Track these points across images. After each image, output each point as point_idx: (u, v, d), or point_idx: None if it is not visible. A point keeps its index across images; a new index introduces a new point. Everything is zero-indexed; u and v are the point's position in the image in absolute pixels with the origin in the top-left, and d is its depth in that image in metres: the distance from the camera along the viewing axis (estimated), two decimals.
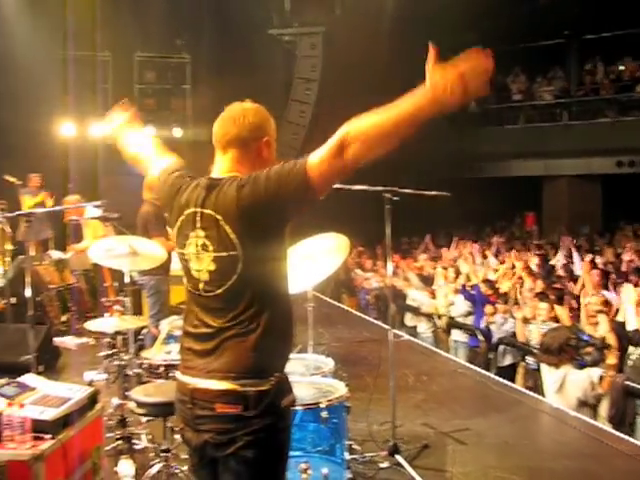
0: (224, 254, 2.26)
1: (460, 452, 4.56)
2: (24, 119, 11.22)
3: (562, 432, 5.15)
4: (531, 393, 6.12)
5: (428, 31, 15.50)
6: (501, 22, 14.60)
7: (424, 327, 9.30)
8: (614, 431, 5.30)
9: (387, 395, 4.61)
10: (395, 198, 4.21)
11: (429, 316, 9.22)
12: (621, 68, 16.82)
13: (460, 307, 8.67)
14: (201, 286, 2.34)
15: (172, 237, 2.47)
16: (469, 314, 8.54)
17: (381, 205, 4.36)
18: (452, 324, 8.73)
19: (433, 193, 4.33)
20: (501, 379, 6.50)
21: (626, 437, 5.17)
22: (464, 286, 8.86)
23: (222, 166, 2.40)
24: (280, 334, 2.34)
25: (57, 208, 7.97)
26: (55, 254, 9.14)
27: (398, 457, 4.26)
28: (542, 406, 5.72)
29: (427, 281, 10.06)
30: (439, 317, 9.03)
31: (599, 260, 10.40)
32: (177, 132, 13.77)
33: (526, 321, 7.21)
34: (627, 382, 6.00)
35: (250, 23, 13.72)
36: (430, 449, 4.55)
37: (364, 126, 2.07)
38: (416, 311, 9.46)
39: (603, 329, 6.38)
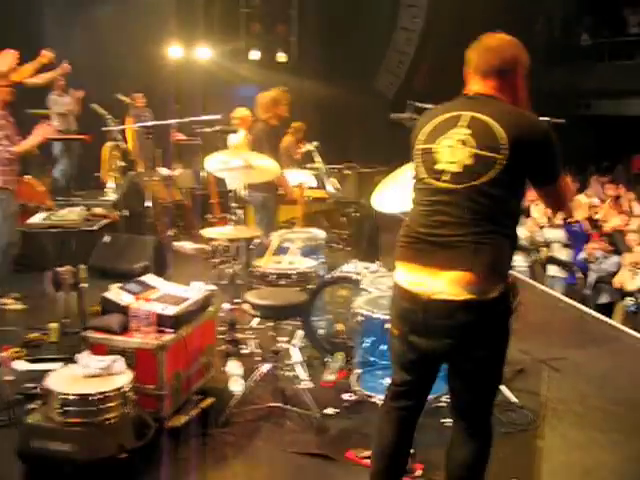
0: (486, 153, 2.36)
1: (556, 379, 4.59)
2: (134, 43, 11.50)
3: None
4: (630, 330, 6.04)
5: None
6: None
7: (520, 260, 9.22)
8: None
9: None
10: None
11: (526, 250, 9.13)
12: None
13: (558, 240, 8.57)
14: (446, 178, 2.41)
15: (418, 141, 2.55)
16: (568, 247, 8.44)
17: None
18: (550, 259, 8.63)
19: (546, 119, 4.22)
20: (599, 315, 6.43)
21: None
22: (565, 220, 8.69)
23: (483, 90, 2.51)
24: (513, 243, 2.46)
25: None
26: (163, 171, 9.50)
27: None
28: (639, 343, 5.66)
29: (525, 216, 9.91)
30: (537, 251, 8.93)
31: None
32: (282, 57, 13.79)
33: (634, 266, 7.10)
34: None
35: None
36: (525, 374, 4.61)
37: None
38: None
39: None
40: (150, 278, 4.17)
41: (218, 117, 4.90)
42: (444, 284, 2.34)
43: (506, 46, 2.53)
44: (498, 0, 12.60)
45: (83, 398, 3.04)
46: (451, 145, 2.41)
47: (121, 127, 7.12)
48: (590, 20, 17.50)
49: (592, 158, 16.08)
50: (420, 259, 2.43)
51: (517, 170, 2.37)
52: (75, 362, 3.35)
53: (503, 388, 4.21)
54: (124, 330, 3.60)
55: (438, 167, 2.43)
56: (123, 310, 3.66)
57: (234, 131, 5.64)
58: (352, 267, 4.58)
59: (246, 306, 3.88)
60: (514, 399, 4.13)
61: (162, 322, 3.61)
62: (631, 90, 16.19)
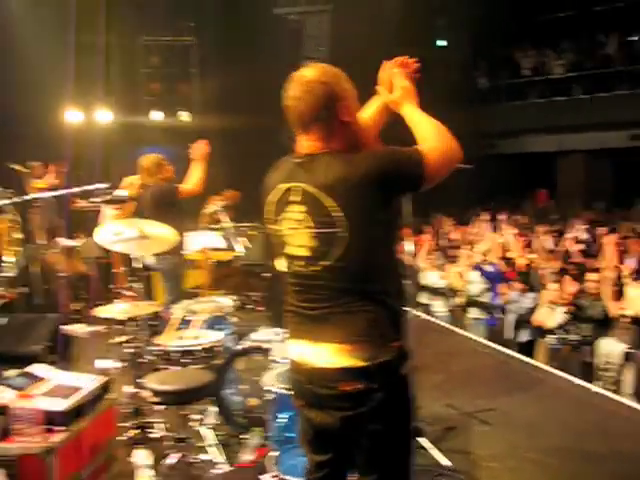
0: (326, 230, 2.16)
1: (486, 433, 4.42)
2: (30, 106, 11.05)
3: (588, 410, 5.00)
4: (554, 370, 5.97)
5: (440, 7, 15.38)
6: None
7: (440, 306, 9.14)
8: None
9: None
10: None
11: (445, 295, 9.07)
12: (633, 39, 16.40)
13: (475, 283, 8.53)
14: (300, 263, 2.24)
15: (266, 219, 2.38)
16: (485, 289, 8.41)
17: None
18: (470, 302, 8.58)
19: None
20: (523, 357, 6.36)
21: None
22: (480, 263, 8.70)
23: (310, 145, 2.26)
24: (393, 305, 2.25)
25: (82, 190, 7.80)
26: (64, 242, 9.02)
27: (422, 440, 4.12)
28: (565, 384, 5.59)
29: (442, 259, 9.90)
30: (456, 295, 8.87)
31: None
32: (184, 117, 13.56)
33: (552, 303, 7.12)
34: None
35: (255, 3, 13.46)
36: (455, 431, 4.41)
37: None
38: (433, 290, 9.32)
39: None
40: (39, 368, 3.76)
41: (106, 185, 4.60)
42: (326, 353, 2.21)
43: (312, 88, 2.20)
44: (395, 52, 12.83)
45: None
46: (293, 227, 2.24)
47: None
48: (486, 64, 18.17)
49: (499, 196, 16.49)
50: (301, 333, 2.31)
51: (367, 229, 2.15)
52: None
53: (433, 450, 4.00)
54: (4, 435, 3.17)
55: (289, 252, 2.28)
56: (2, 411, 3.24)
57: (133, 198, 5.37)
58: (262, 335, 4.29)
59: (146, 393, 3.52)
60: (445, 461, 3.90)
61: (51, 419, 3.21)
62: (530, 128, 16.85)
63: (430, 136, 2.25)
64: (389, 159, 2.17)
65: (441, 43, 17.31)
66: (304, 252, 2.21)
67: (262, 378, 3.73)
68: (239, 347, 4.29)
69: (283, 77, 2.35)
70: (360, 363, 2.16)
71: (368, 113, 2.55)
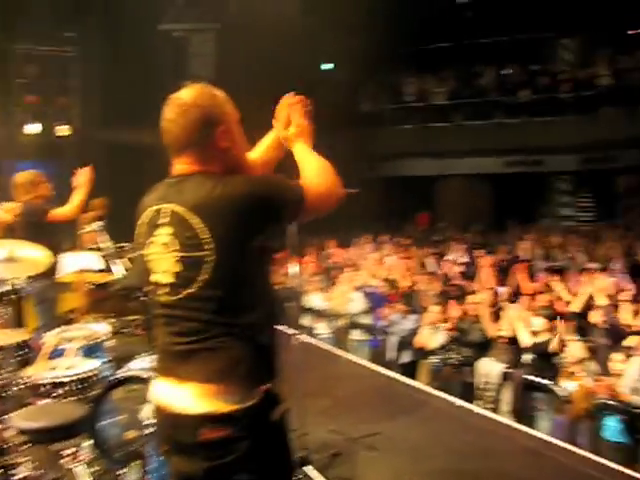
0: (191, 254, 2.01)
1: (372, 459, 4.41)
2: None
3: (468, 431, 5.11)
4: (435, 392, 6.07)
5: (323, 32, 15.59)
6: (393, 24, 14.75)
7: (323, 328, 9.14)
8: (519, 426, 5.35)
9: (291, 403, 4.38)
10: None
11: (329, 317, 9.08)
12: (507, 72, 17.34)
13: (358, 305, 8.61)
14: (164, 290, 2.07)
15: (136, 244, 2.20)
16: (368, 311, 8.50)
17: None
18: (353, 324, 8.63)
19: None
20: (406, 379, 6.44)
21: (531, 431, 5.23)
22: (363, 285, 8.80)
23: (184, 168, 2.12)
24: (262, 342, 2.09)
25: None
26: None
27: (307, 469, 4.04)
28: (447, 405, 5.69)
29: (325, 282, 9.94)
30: (339, 317, 8.90)
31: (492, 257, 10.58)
32: (63, 131, 12.98)
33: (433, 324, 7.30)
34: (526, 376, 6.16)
35: (141, 16, 13.09)
36: (341, 457, 4.36)
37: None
38: (316, 312, 9.31)
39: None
40: None
41: None
42: (188, 396, 2.04)
43: (187, 111, 2.09)
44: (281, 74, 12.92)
45: None
46: (158, 252, 2.09)
47: None
48: (370, 89, 18.60)
49: (381, 218, 16.84)
50: (166, 370, 2.14)
51: (237, 257, 2.02)
52: None
53: (319, 479, 3.93)
54: None
55: (154, 279, 2.12)
56: None
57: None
58: (141, 363, 4.08)
59: (10, 432, 3.24)
60: None
61: None
62: (411, 152, 17.40)
63: (314, 174, 2.22)
64: (265, 185, 2.09)
65: (327, 67, 17.56)
66: (168, 278, 2.07)
67: (141, 409, 3.54)
68: (116, 376, 4.06)
69: (167, 94, 2.23)
70: (224, 408, 1.99)
71: (263, 147, 2.48)
